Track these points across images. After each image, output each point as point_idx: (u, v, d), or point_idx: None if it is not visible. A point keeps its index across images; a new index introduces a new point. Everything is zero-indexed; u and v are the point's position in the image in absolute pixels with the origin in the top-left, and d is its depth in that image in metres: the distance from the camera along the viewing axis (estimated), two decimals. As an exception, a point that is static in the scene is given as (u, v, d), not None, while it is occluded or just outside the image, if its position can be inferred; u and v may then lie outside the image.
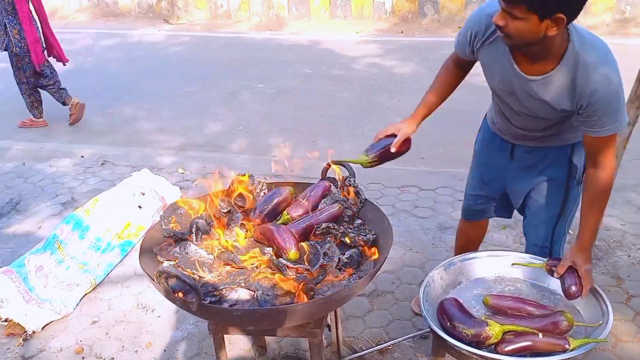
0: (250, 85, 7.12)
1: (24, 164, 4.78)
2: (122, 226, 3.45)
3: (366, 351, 2.44)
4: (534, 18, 1.67)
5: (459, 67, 2.26)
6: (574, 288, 1.96)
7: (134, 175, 3.90)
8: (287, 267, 1.88)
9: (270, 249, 1.95)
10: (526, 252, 2.43)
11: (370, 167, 2.25)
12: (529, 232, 2.40)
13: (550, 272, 2.07)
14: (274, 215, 2.16)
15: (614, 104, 1.80)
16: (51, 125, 5.91)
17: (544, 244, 2.34)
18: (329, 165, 2.35)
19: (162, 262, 1.98)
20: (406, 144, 2.25)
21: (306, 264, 1.87)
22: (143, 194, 3.71)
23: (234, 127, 5.73)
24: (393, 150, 2.20)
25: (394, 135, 2.22)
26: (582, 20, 9.59)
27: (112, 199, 3.58)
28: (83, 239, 3.29)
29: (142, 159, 4.85)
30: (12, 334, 2.73)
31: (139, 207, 3.62)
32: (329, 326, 2.43)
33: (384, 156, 2.23)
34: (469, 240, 2.73)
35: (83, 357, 2.61)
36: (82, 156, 4.95)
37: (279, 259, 1.91)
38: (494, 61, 1.99)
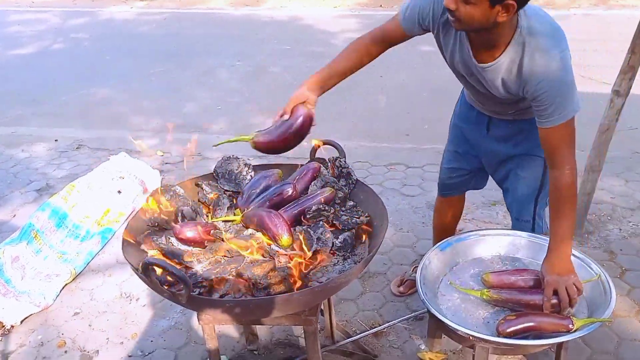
0: (227, 63, 6.94)
1: (-6, 150, 4.59)
2: (102, 212, 3.33)
3: (360, 335, 2.38)
4: (485, 3, 1.61)
5: (378, 46, 2.11)
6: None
7: (112, 159, 3.76)
8: (280, 254, 1.80)
9: (261, 234, 1.86)
10: (512, 227, 2.40)
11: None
12: (512, 206, 2.36)
13: None
14: (263, 198, 2.05)
15: (560, 92, 1.73)
16: (23, 109, 5.69)
17: (527, 218, 2.31)
18: (318, 145, 2.26)
19: (147, 253, 1.88)
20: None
21: (300, 249, 1.79)
22: (122, 178, 3.58)
23: (213, 107, 5.58)
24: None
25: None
26: (563, -8, 9.54)
27: (89, 184, 3.44)
28: (60, 227, 3.16)
29: (119, 142, 4.68)
30: (-11, 329, 2.61)
31: (119, 192, 3.49)
32: (321, 311, 2.36)
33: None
34: (445, 220, 2.68)
35: (66, 351, 2.50)
36: (55, 140, 4.77)
37: (271, 245, 1.83)
38: (453, 43, 1.91)
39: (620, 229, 3.10)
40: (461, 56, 1.91)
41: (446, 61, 2.03)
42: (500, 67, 1.82)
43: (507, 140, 2.17)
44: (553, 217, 1.88)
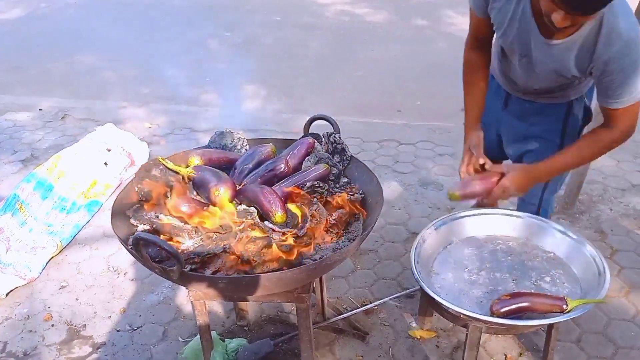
0: (217, 34, 6.81)
1: (-24, 118, 4.47)
2: (88, 185, 3.27)
3: (351, 312, 2.37)
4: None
5: (481, 51, 2.06)
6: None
7: (98, 130, 3.68)
8: (274, 230, 1.77)
9: (254, 210, 1.82)
10: (518, 207, 2.38)
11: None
12: None
13: None
14: (255, 175, 2.01)
15: (633, 74, 1.65)
16: (5, 76, 5.55)
17: (532, 201, 2.28)
18: (312, 120, 2.21)
19: (137, 227, 1.83)
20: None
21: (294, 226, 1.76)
22: (109, 150, 3.51)
23: (201, 79, 5.47)
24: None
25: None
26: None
27: (75, 155, 3.37)
28: (46, 198, 3.09)
29: (105, 112, 4.58)
30: (-27, 301, 2.57)
31: (105, 164, 3.43)
32: (313, 288, 2.34)
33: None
34: None
35: (52, 325, 2.46)
36: (40, 109, 4.66)
37: (264, 222, 1.79)
38: (510, 19, 1.80)
39: (611, 209, 3.10)
40: (521, 32, 1.79)
41: (498, 37, 1.93)
42: (573, 44, 1.70)
43: (523, 119, 2.12)
44: (565, 149, 1.85)
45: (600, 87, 1.73)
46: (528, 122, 2.11)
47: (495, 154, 2.45)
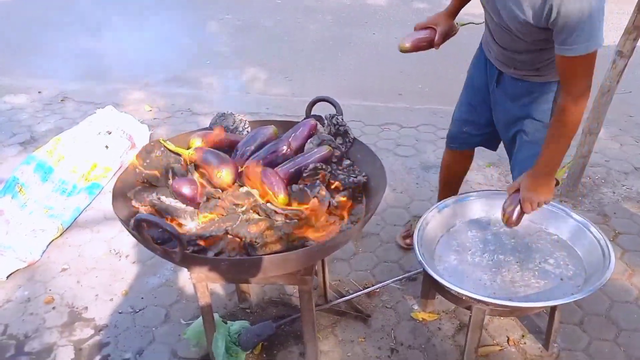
0: (216, 16, 6.74)
1: (-25, 101, 4.44)
2: (89, 167, 3.25)
3: (354, 295, 2.37)
4: None
5: None
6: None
7: (98, 113, 3.65)
8: (276, 212, 1.76)
9: (257, 192, 1.81)
10: None
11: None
12: (513, 169, 2.29)
13: None
14: (257, 156, 1.99)
15: (585, 20, 1.57)
16: (4, 58, 5.50)
17: None
18: (315, 102, 2.19)
19: (138, 209, 1.82)
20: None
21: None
22: (109, 133, 3.49)
23: (201, 61, 5.43)
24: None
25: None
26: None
27: (75, 138, 3.35)
28: (46, 181, 3.08)
29: (105, 94, 4.55)
30: (-26, 284, 2.56)
31: (106, 147, 3.41)
32: (315, 270, 2.34)
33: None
34: (451, 173, 2.62)
35: (54, 307, 2.46)
36: (39, 92, 4.62)
37: (267, 204, 1.78)
38: None
39: (614, 192, 3.09)
40: None
41: None
42: None
43: (515, 100, 2.08)
44: (548, 139, 1.83)
45: (556, 31, 1.65)
46: (520, 102, 2.07)
47: (488, 141, 2.42)
